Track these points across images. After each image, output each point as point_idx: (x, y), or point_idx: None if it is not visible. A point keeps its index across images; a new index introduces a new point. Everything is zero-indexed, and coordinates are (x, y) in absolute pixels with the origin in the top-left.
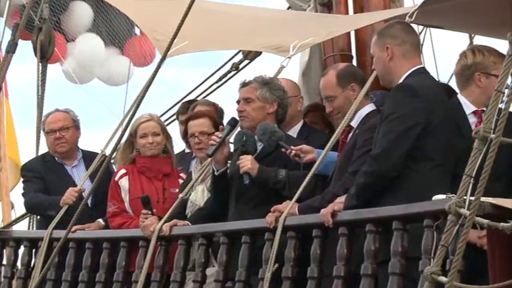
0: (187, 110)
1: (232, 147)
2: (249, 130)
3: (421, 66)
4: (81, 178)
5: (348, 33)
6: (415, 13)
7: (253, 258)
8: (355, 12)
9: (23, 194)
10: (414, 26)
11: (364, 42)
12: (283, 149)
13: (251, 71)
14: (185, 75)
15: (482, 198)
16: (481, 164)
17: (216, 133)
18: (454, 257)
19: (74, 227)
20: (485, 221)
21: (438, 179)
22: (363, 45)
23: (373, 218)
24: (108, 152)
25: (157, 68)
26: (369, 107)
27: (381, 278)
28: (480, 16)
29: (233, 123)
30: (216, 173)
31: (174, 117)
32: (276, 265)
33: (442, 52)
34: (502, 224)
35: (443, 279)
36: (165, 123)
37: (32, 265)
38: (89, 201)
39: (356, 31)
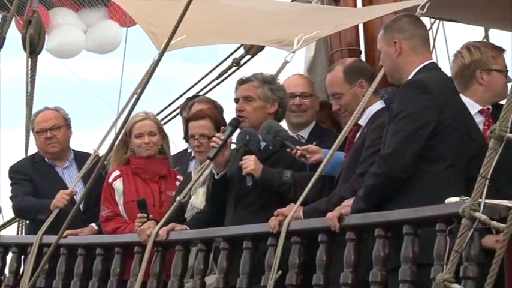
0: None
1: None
2: (253, 129)
3: (431, 61)
4: (73, 180)
5: (356, 27)
6: (427, 5)
7: (255, 265)
8: (363, 5)
9: (11, 197)
10: (426, 19)
11: (373, 36)
12: (288, 149)
13: (253, 67)
14: (178, 71)
15: (497, 201)
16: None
17: (218, 134)
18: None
19: (66, 232)
20: (501, 225)
21: (451, 180)
22: (371, 39)
23: (383, 222)
24: (102, 152)
25: (156, 64)
26: (378, 105)
27: (390, 285)
28: (496, 8)
29: (235, 123)
30: (216, 176)
31: (171, 116)
32: (280, 272)
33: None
34: None
35: (456, 286)
36: (161, 122)
37: (20, 272)
38: (81, 205)
39: (365, 24)
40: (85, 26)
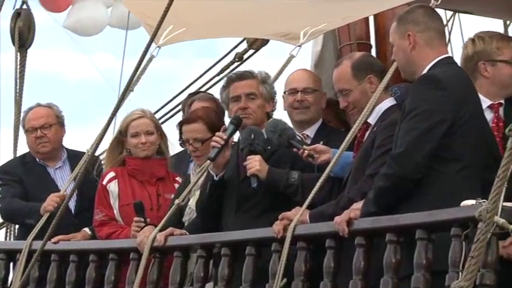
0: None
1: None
2: (258, 127)
3: (447, 55)
4: (66, 181)
5: (366, 19)
6: None
7: (259, 272)
8: None
9: None
10: (441, 11)
11: (385, 29)
12: (294, 149)
13: (257, 62)
14: (176, 67)
15: None
16: None
17: (219, 134)
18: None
19: (57, 238)
20: None
21: (467, 182)
22: (383, 33)
23: (394, 226)
24: (97, 152)
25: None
26: (389, 102)
27: None
28: None
29: (237, 122)
30: (216, 178)
31: (169, 114)
32: (285, 280)
33: None
34: None
35: None
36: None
37: (9, 281)
38: (73, 208)
39: (375, 16)
40: (109, 0)
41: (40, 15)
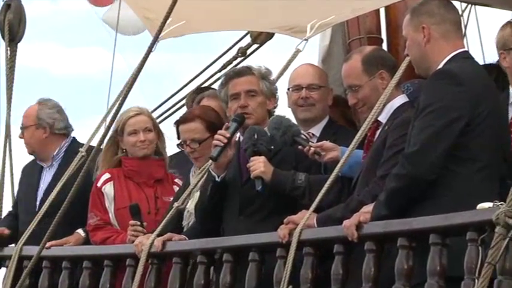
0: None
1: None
2: (261, 127)
3: (464, 49)
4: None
5: (377, 11)
6: None
7: (263, 279)
8: None
9: None
10: (457, 3)
11: (397, 22)
12: (300, 146)
13: (261, 57)
14: (173, 62)
15: None
16: None
17: (221, 132)
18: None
19: (49, 243)
20: None
21: (484, 183)
22: (394, 26)
23: (406, 230)
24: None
25: (148, 52)
26: (400, 99)
27: None
28: None
29: (239, 119)
30: (217, 179)
31: (167, 114)
32: (290, 287)
33: (490, 35)
34: None
35: None
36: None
37: None
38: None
39: (387, 8)
40: None
41: (29, 7)
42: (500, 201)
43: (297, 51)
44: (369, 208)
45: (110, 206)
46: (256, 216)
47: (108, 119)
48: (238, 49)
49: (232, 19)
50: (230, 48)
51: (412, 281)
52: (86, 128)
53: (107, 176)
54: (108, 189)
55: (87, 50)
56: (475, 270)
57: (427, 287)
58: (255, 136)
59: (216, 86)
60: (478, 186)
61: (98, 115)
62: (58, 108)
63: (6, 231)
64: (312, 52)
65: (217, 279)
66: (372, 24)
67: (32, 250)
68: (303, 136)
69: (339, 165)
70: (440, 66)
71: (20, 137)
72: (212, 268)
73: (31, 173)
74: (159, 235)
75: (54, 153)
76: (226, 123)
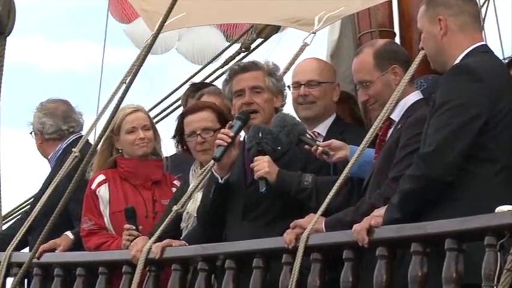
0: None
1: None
2: (266, 125)
3: (482, 43)
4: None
5: (389, 3)
6: None
7: (267, 287)
8: None
9: None
10: None
11: (410, 14)
12: (306, 146)
13: (266, 52)
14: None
15: None
16: None
17: (224, 131)
18: None
19: (41, 248)
20: None
21: (504, 185)
22: (408, 19)
23: (420, 235)
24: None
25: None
26: (414, 96)
27: None
28: None
29: (244, 118)
30: (220, 181)
31: (163, 114)
32: None
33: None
34: None
35: None
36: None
37: None
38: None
39: (399, 0)
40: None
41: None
42: None
43: (304, 45)
44: (380, 211)
45: (104, 209)
46: (261, 220)
47: (104, 116)
48: (242, 43)
49: (235, 11)
50: (233, 43)
51: None
52: None
53: (101, 177)
54: (103, 192)
55: (75, 43)
56: (493, 278)
57: None
58: (260, 134)
59: (216, 83)
60: (497, 188)
61: (87, 111)
62: (48, 111)
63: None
64: (320, 46)
65: (219, 287)
66: (384, 16)
67: (22, 256)
68: (309, 135)
69: (348, 165)
70: (458, 60)
71: None
72: (213, 276)
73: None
74: (157, 240)
75: (49, 157)
76: (230, 122)
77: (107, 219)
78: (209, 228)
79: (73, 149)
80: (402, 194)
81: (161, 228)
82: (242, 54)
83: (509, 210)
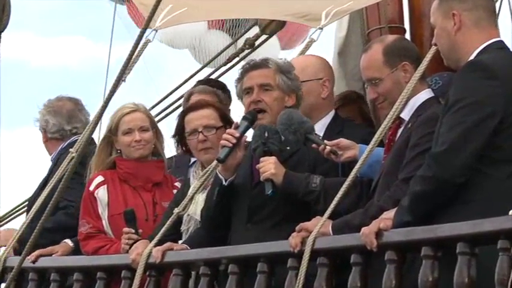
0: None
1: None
2: (273, 125)
3: (498, 39)
4: None
5: None
6: None
7: None
8: None
9: None
10: None
11: (421, 10)
12: (313, 145)
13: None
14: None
15: None
16: None
17: (230, 131)
18: None
19: (35, 254)
20: None
21: None
22: (419, 15)
23: (431, 238)
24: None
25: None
26: (425, 94)
27: None
28: None
29: (251, 118)
30: (225, 183)
31: (164, 113)
32: None
33: None
34: None
35: None
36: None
37: None
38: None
39: None
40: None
41: None
42: None
43: (311, 41)
44: (390, 214)
45: (103, 212)
46: (266, 223)
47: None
48: (246, 40)
49: (239, 6)
50: (237, 39)
51: None
52: None
53: (100, 179)
54: (102, 194)
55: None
56: (506, 283)
57: None
58: (266, 134)
59: (221, 80)
60: (511, 189)
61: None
62: (52, 109)
63: None
64: (328, 42)
65: None
66: (394, 12)
67: (17, 261)
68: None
69: (356, 166)
70: (472, 57)
71: None
72: (215, 281)
73: None
74: (157, 244)
75: (51, 157)
76: (236, 122)
77: (105, 222)
78: (213, 231)
79: (70, 150)
80: (413, 196)
81: (162, 231)
82: (246, 52)
83: None
